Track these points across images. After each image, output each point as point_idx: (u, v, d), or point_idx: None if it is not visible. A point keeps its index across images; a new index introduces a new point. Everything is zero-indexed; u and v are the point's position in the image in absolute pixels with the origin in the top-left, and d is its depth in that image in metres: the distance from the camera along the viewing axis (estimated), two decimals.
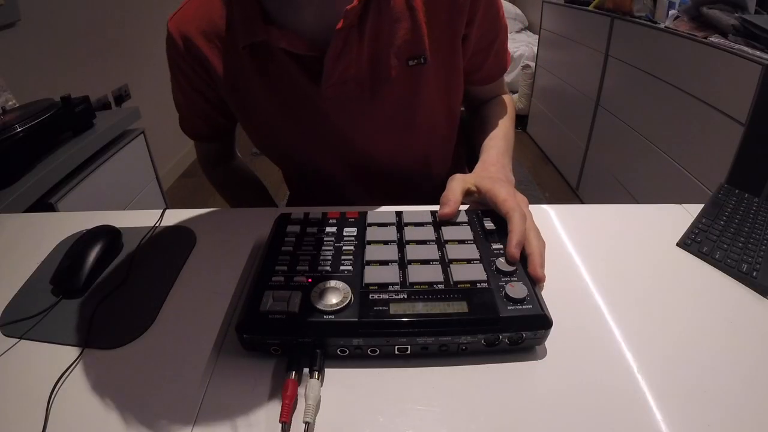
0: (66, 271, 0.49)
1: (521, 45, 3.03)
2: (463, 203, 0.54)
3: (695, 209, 0.62)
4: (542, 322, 0.39)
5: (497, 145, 0.68)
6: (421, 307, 0.40)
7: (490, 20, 0.64)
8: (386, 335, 0.39)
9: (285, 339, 0.39)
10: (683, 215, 0.61)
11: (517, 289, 0.41)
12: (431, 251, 0.47)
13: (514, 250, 0.45)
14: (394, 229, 0.51)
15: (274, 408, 0.36)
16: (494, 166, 0.62)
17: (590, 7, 2.01)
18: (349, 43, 0.58)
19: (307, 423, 0.34)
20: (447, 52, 0.63)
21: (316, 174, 0.73)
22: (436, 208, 0.54)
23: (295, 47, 0.57)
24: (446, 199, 0.53)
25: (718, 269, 0.51)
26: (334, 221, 0.52)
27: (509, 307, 0.40)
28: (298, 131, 0.66)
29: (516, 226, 0.47)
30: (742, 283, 0.49)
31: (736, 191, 0.65)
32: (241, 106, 0.66)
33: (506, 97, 0.79)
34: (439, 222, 0.52)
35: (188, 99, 0.70)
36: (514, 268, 0.44)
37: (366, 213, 0.53)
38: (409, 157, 0.72)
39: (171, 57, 0.65)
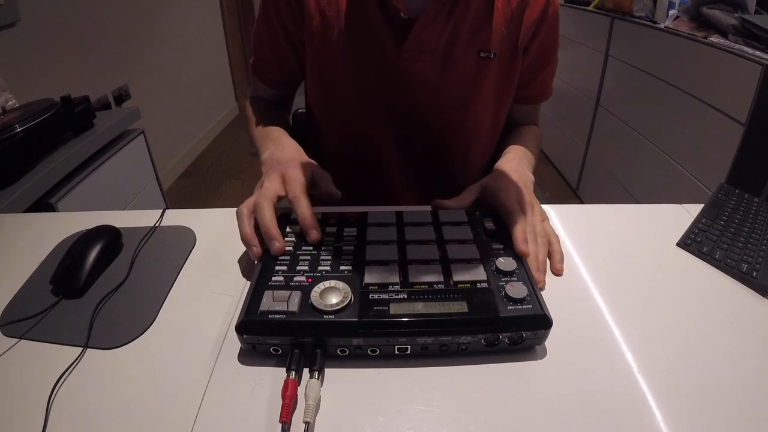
0: (66, 271, 0.49)
1: None
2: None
3: (695, 209, 0.62)
4: (542, 322, 0.39)
5: (515, 149, 0.70)
6: (421, 307, 0.40)
7: (548, 44, 0.70)
8: (386, 335, 0.39)
9: (285, 339, 0.39)
10: (683, 215, 0.61)
11: (517, 289, 0.41)
12: (431, 251, 0.47)
13: (521, 246, 0.47)
14: (394, 229, 0.51)
15: (274, 408, 0.36)
16: (509, 164, 0.64)
17: (590, 7, 2.01)
18: (438, 17, 0.62)
19: (307, 423, 0.34)
20: (509, 55, 0.67)
21: (357, 141, 0.75)
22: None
23: None
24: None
25: (718, 269, 0.51)
26: (334, 221, 0.52)
27: (509, 307, 0.40)
28: (362, 88, 0.69)
29: (516, 224, 0.50)
30: (742, 283, 0.49)
31: (736, 191, 0.65)
32: (317, 50, 0.68)
33: (537, 129, 0.81)
34: (439, 222, 0.52)
35: (272, 34, 0.71)
36: (515, 268, 0.44)
37: (366, 213, 0.53)
38: (452, 143, 0.74)
39: None
